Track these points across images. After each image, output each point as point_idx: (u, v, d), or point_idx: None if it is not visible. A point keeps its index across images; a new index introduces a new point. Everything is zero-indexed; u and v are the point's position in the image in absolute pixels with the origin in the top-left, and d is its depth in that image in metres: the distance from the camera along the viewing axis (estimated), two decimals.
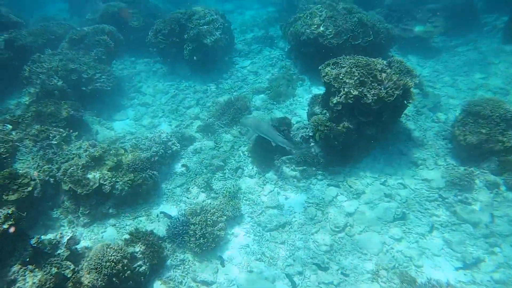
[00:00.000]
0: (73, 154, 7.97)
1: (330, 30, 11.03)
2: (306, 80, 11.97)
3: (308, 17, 11.56)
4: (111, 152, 7.95)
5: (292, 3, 16.01)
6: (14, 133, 8.42)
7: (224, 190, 8.32)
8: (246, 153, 9.41)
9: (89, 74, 10.50)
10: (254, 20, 17.47)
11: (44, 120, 8.79)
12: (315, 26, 11.26)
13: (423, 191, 8.17)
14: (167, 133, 9.07)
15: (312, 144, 8.96)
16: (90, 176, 7.53)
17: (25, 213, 6.59)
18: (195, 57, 12.19)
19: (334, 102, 8.13)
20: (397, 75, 8.14)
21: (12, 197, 6.84)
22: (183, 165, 9.03)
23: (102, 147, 7.94)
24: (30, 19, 17.26)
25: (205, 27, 12.11)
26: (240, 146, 9.65)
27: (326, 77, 8.39)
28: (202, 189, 8.42)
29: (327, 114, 8.72)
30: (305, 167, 8.74)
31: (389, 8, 13.75)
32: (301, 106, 11.07)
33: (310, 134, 8.92)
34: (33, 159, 8.06)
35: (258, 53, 14.07)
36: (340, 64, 8.47)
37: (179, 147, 9.14)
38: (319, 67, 9.11)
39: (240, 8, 19.58)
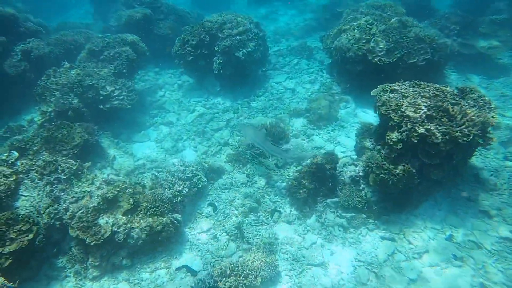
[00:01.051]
0: (84, 192, 6.83)
1: (381, 46, 9.59)
2: (350, 101, 10.53)
3: (356, 30, 10.13)
4: (127, 191, 6.76)
5: (334, 12, 14.58)
6: (19, 163, 7.35)
7: (258, 239, 7.02)
8: (283, 191, 8.06)
9: (107, 91, 9.41)
10: (289, 27, 16.14)
11: (54, 147, 7.72)
12: (364, 41, 9.84)
13: (504, 254, 6.60)
14: (192, 166, 7.78)
15: (362, 186, 7.54)
16: (101, 221, 6.37)
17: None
18: (226, 72, 10.95)
19: (394, 139, 6.72)
20: (474, 109, 6.64)
21: (9, 249, 5.75)
22: (210, 204, 7.77)
23: (117, 185, 6.77)
24: (52, 25, 16.47)
25: (237, 37, 10.86)
26: (276, 182, 8.31)
27: (383, 108, 7.01)
28: (232, 237, 7.13)
29: (382, 151, 7.30)
30: (353, 214, 7.33)
31: (446, 19, 12.10)
32: (344, 132, 9.67)
33: (361, 174, 7.52)
34: (38, 195, 6.96)
35: (295, 67, 12.74)
36: (401, 92, 7.06)
37: (206, 182, 7.88)
38: (372, 92, 7.78)
39: (274, 14, 18.28)
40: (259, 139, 7.62)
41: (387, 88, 7.53)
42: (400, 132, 6.65)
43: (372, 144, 7.83)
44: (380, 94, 7.44)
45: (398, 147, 6.69)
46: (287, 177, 8.42)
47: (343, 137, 9.58)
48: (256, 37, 11.38)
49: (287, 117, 10.18)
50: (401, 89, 7.17)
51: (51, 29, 15.47)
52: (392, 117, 6.76)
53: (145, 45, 11.50)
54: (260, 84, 11.95)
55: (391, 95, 7.17)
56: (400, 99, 6.88)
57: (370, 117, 9.96)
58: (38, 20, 15.31)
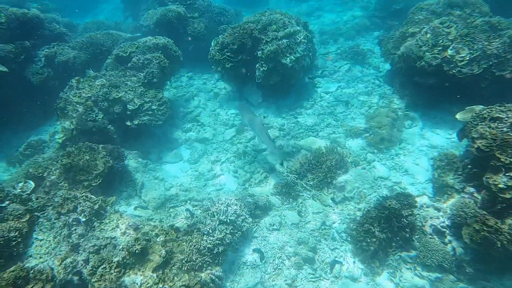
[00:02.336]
0: (107, 238, 5.70)
1: (463, 55, 7.92)
2: (417, 119, 8.95)
3: (429, 34, 8.52)
4: (158, 239, 5.57)
5: (390, 9, 12.88)
6: (34, 198, 6.31)
7: None
8: (343, 234, 6.67)
9: (135, 105, 8.29)
10: (337, 26, 14.52)
11: (75, 176, 6.64)
12: (440, 48, 8.21)
13: None
14: (235, 203, 6.50)
15: (449, 238, 6.04)
16: (127, 280, 5.22)
17: None
18: (270, 81, 9.59)
19: (500, 186, 5.19)
20: None
21: None
22: (255, 250, 6.48)
23: (146, 232, 5.59)
24: (80, 23, 15.60)
25: (284, 41, 9.47)
26: (334, 222, 6.93)
27: (481, 142, 5.51)
28: None
29: (477, 196, 5.79)
30: (438, 275, 5.85)
31: None
32: (411, 157, 8.15)
33: (448, 224, 6.03)
34: (54, 238, 5.90)
35: (347, 74, 11.21)
36: (510, 122, 5.51)
37: (251, 222, 6.60)
38: (459, 117, 6.46)
39: (319, 10, 16.68)
40: (257, 127, 7.18)
41: (483, 113, 5.99)
42: (510, 176, 5.13)
43: (459, 184, 6.34)
44: (473, 121, 5.93)
45: (507, 196, 5.16)
46: (347, 215, 7.02)
47: (410, 163, 8.06)
48: (305, 40, 9.94)
49: (343, 137, 8.72)
50: (504, 116, 5.62)
51: (79, 28, 14.61)
52: (498, 156, 5.24)
53: (178, 47, 10.34)
54: (307, 94, 10.53)
55: (492, 125, 5.63)
56: (510, 132, 5.34)
57: (442, 138, 8.42)
58: (65, 20, 14.56)
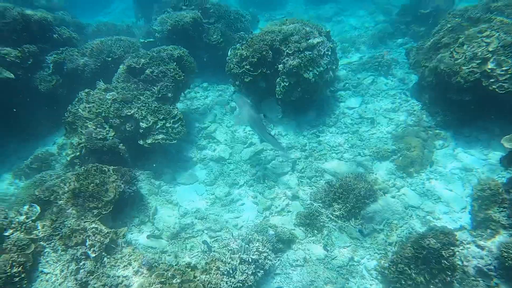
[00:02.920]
0: (118, 277, 5.25)
1: (506, 68, 7.40)
2: (449, 138, 8.45)
3: (466, 46, 7.96)
4: (174, 280, 5.11)
5: (416, 14, 12.28)
6: (40, 226, 5.89)
7: None
8: (373, 272, 6.17)
9: (148, 123, 7.85)
10: (359, 33, 13.93)
11: (84, 203, 6.20)
12: (479, 61, 7.67)
13: None
14: (258, 239, 6.03)
15: (496, 281, 5.51)
16: None
17: None
18: (291, 97, 9.10)
19: None
20: None
21: None
22: None
23: (161, 274, 5.14)
24: (91, 23, 15.19)
25: (307, 54, 8.98)
26: (363, 258, 6.43)
27: None
28: None
29: None
30: None
31: None
32: (444, 182, 7.69)
33: (495, 265, 5.53)
34: (61, 272, 5.48)
35: (370, 86, 10.67)
36: None
37: (273, 259, 6.12)
38: (507, 143, 5.84)
39: (339, 14, 16.09)
40: (256, 124, 6.99)
41: None
42: None
43: (507, 219, 5.80)
44: None
45: None
46: (377, 250, 6.52)
47: (443, 189, 7.57)
48: (329, 52, 9.42)
49: (369, 160, 8.20)
50: None
51: (89, 30, 14.20)
52: None
53: (192, 54, 9.90)
54: (329, 109, 10.02)
55: None
56: None
57: (476, 160, 7.92)
58: (75, 20, 14.19)
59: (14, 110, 9.31)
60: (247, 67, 9.14)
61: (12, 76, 8.89)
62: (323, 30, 10.36)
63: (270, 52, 9.10)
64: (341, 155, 8.47)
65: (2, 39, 9.42)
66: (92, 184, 6.38)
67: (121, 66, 9.12)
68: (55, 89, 9.88)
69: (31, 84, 9.69)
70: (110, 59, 10.04)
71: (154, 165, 8.30)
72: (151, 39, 12.99)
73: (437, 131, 8.69)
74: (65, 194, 6.36)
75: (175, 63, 9.07)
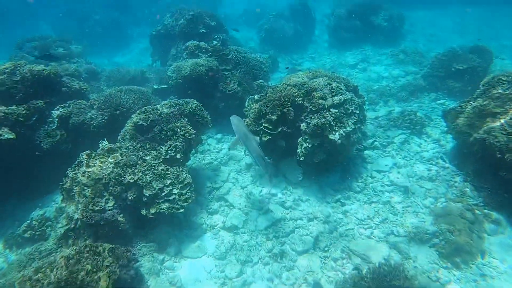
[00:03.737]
0: None
1: None
2: (503, 223, 7.28)
3: None
4: None
5: (451, 68, 11.47)
6: None
7: None
8: None
9: (153, 190, 7.09)
10: (386, 83, 13.17)
11: None
12: None
13: None
14: None
15: None
16: None
17: None
18: (314, 159, 8.23)
19: None
20: None
21: None
22: None
23: None
24: (106, 67, 14.95)
25: (332, 112, 8.17)
26: None
27: None
28: None
29: None
30: None
31: None
32: (502, 281, 6.41)
33: None
34: None
35: (402, 147, 9.73)
36: None
37: None
38: None
39: (364, 62, 15.43)
40: (250, 144, 6.70)
41: None
42: None
43: None
44: None
45: None
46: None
47: None
48: (357, 111, 8.60)
49: (405, 242, 7.12)
50: None
51: (102, 78, 13.88)
52: None
53: (207, 102, 9.30)
54: (355, 171, 9.09)
55: None
56: None
57: None
58: (88, 67, 13.93)
59: (13, 168, 8.76)
60: (266, 125, 8.39)
61: (13, 136, 8.41)
62: (350, 84, 9.63)
63: (292, 109, 8.34)
64: (371, 232, 7.43)
65: (9, 96, 9.07)
66: (82, 273, 5.53)
67: (128, 123, 8.50)
68: (58, 144, 9.32)
69: (34, 141, 9.16)
70: (118, 112, 9.48)
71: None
72: (165, 86, 12.56)
73: (486, 211, 7.55)
74: (50, 286, 5.52)
75: (186, 119, 8.39)
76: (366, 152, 9.59)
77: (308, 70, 10.10)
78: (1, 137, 8.35)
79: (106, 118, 9.43)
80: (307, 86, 8.86)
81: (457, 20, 21.34)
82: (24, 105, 9.16)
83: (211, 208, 8.51)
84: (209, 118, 9.05)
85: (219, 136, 11.12)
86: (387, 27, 17.13)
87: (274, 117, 8.30)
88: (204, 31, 13.78)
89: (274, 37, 19.10)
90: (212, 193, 8.93)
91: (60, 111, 9.52)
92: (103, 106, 9.47)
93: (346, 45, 17.62)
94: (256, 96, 9.75)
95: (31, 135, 9.20)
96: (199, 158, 10.19)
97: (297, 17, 19.84)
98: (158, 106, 8.65)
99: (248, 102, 10.12)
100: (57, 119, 9.41)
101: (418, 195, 8.08)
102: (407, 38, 18.36)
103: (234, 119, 6.98)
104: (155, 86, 12.73)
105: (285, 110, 8.28)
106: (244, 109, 9.81)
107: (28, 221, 8.06)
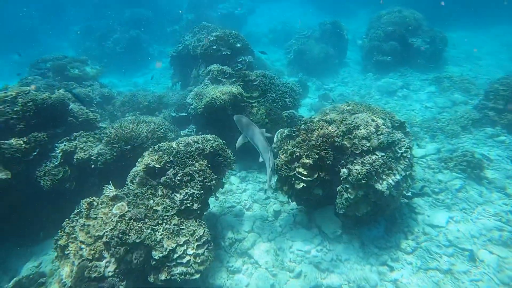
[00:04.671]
0: None
1: None
2: None
3: None
4: None
5: (510, 99, 10.09)
6: None
7: None
8: None
9: (164, 251, 5.98)
10: (431, 114, 11.87)
11: None
12: None
13: None
14: None
15: None
16: None
17: None
18: (357, 212, 6.99)
19: None
20: None
21: None
22: None
23: None
24: (117, 98, 14.13)
25: (379, 156, 6.96)
26: None
27: None
28: None
29: None
30: None
31: None
32: None
33: None
34: None
35: (458, 195, 8.44)
36: None
37: None
38: None
39: (404, 88, 14.19)
40: (256, 138, 6.67)
41: None
42: None
43: None
44: None
45: None
46: None
47: None
48: (408, 154, 7.34)
49: None
50: None
51: (117, 104, 13.06)
52: None
53: (229, 136, 8.54)
54: (403, 224, 7.81)
55: None
56: None
57: None
58: (102, 91, 13.18)
59: (8, 209, 7.88)
60: (300, 170, 7.21)
61: (8, 176, 7.56)
62: (396, 119, 8.43)
63: (331, 152, 7.15)
64: None
65: (8, 128, 8.26)
66: None
67: (139, 162, 7.47)
68: (61, 183, 8.40)
69: (33, 179, 8.26)
70: (128, 147, 8.50)
71: None
72: (184, 114, 11.68)
73: None
74: None
75: (206, 161, 7.30)
76: (415, 199, 8.26)
77: (346, 103, 8.96)
78: None
79: (115, 154, 8.47)
80: (347, 122, 7.68)
81: (505, 41, 19.83)
82: (24, 138, 8.31)
83: (232, 265, 7.32)
84: (233, 158, 7.95)
85: (243, 174, 10.02)
86: (428, 49, 15.84)
87: (310, 162, 7.12)
88: (228, 53, 12.83)
89: (304, 59, 18.06)
90: (234, 246, 7.77)
91: (65, 145, 8.64)
92: (112, 141, 8.52)
93: (382, 69, 16.37)
94: (286, 131, 8.67)
95: (30, 172, 8.32)
96: (221, 201, 9.07)
97: (329, 38, 18.78)
98: (174, 144, 7.60)
99: (277, 136, 9.04)
100: (60, 154, 8.51)
101: (489, 264, 6.67)
102: (450, 62, 17.01)
103: (236, 117, 7.01)
104: (173, 114, 11.82)
105: (322, 153, 7.10)
106: (273, 145, 8.73)
107: (18, 278, 7.04)
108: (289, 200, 8.03)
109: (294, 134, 8.41)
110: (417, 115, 12.13)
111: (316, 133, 7.40)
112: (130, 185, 7.18)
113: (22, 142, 8.11)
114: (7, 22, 36.52)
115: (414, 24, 16.49)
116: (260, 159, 6.81)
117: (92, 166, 8.58)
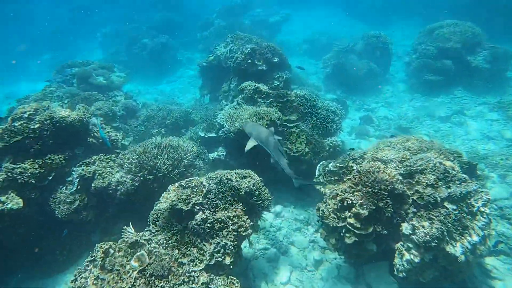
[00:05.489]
0: None
1: None
2: None
3: None
4: None
5: None
6: None
7: None
8: None
9: None
10: (497, 147, 10.59)
11: None
12: None
13: None
14: None
15: None
16: None
17: None
18: (421, 278, 5.92)
19: None
20: None
21: None
22: None
23: None
24: (141, 111, 13.40)
25: (450, 209, 5.88)
26: None
27: None
28: None
29: None
30: None
31: None
32: None
33: None
34: None
35: None
36: None
37: None
38: None
39: (460, 114, 12.85)
40: (264, 138, 6.81)
41: None
42: None
43: None
44: None
45: None
46: None
47: None
48: (487, 209, 6.19)
49: None
50: None
51: (141, 118, 12.34)
52: None
53: (263, 166, 7.99)
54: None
55: None
56: None
57: None
58: (126, 103, 12.52)
59: (20, 237, 7.28)
60: (352, 221, 6.16)
61: (20, 205, 6.92)
62: (464, 159, 7.29)
63: (391, 203, 6.08)
64: None
65: (23, 149, 7.61)
66: None
67: (163, 198, 6.62)
68: (77, 212, 7.68)
69: (46, 207, 7.58)
70: (152, 177, 7.65)
71: None
72: (213, 135, 10.76)
73: None
74: None
75: (241, 204, 6.37)
76: (488, 259, 7.06)
77: (404, 137, 7.86)
78: (4, 207, 6.78)
79: (137, 184, 7.65)
80: (408, 164, 6.60)
81: None
82: (40, 160, 7.65)
83: None
84: (271, 198, 6.99)
85: (278, 209, 9.05)
86: (489, 69, 14.35)
87: (364, 213, 6.06)
88: (264, 68, 11.92)
89: (343, 75, 16.93)
90: None
91: (83, 169, 7.91)
92: (134, 168, 7.70)
93: (432, 90, 14.99)
94: (331, 165, 7.73)
95: (44, 200, 7.64)
96: (253, 241, 8.10)
97: (372, 52, 17.52)
98: (204, 181, 6.69)
99: (319, 170, 8.11)
100: (78, 180, 7.79)
101: None
102: None
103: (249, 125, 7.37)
104: (201, 134, 10.96)
105: (381, 204, 6.04)
106: (314, 179, 7.78)
107: None
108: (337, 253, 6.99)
109: (341, 172, 7.42)
110: (481, 148, 10.82)
111: (372, 178, 6.34)
112: (152, 227, 6.32)
113: (37, 166, 7.47)
114: (38, 23, 37.02)
115: (473, 40, 15.03)
116: (272, 161, 6.91)
117: (111, 195, 7.82)
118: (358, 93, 16.32)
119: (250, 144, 7.03)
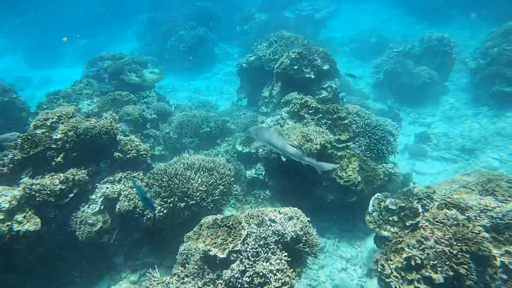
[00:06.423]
0: None
1: None
2: None
3: None
4: None
5: None
6: None
7: None
8: None
9: None
10: None
11: None
12: None
13: None
14: None
15: None
16: None
17: None
18: None
19: None
20: None
21: None
22: None
23: None
24: (173, 115, 12.76)
25: None
26: None
27: None
28: None
29: None
30: None
31: None
32: None
33: None
34: None
35: None
36: None
37: None
38: None
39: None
40: (267, 135, 6.99)
41: None
42: None
43: None
44: None
45: None
46: None
47: None
48: None
49: None
50: None
51: (174, 120, 11.74)
52: None
53: (307, 194, 7.66)
54: None
55: None
56: None
57: None
58: (159, 106, 12.05)
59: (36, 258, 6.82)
60: (421, 287, 5.20)
61: (38, 227, 6.39)
62: None
63: (474, 267, 5.07)
64: None
65: (44, 161, 7.07)
66: None
67: (193, 236, 5.89)
68: (99, 235, 7.10)
69: (67, 227, 7.03)
70: (183, 204, 6.92)
71: None
72: (252, 151, 9.96)
73: None
74: None
75: (285, 255, 5.52)
76: None
77: (479, 172, 6.77)
78: (20, 228, 6.26)
79: (165, 211, 6.95)
80: (493, 216, 5.55)
81: None
82: (61, 175, 7.07)
83: None
84: (319, 244, 6.11)
85: (322, 243, 8.15)
86: None
87: (439, 278, 5.08)
88: (312, 76, 10.93)
89: (397, 82, 15.61)
90: None
91: (107, 188, 7.30)
92: (164, 193, 6.99)
93: (503, 103, 13.36)
94: (388, 202, 6.81)
95: (66, 214, 7.09)
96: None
97: (432, 57, 15.94)
98: (243, 221, 5.85)
99: (372, 205, 7.21)
100: (101, 199, 7.18)
101: None
102: None
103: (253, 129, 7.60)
104: (239, 148, 10.20)
105: (461, 270, 5.04)
106: (367, 218, 6.89)
107: None
108: None
109: (403, 214, 6.45)
110: None
111: (449, 234, 5.33)
112: (181, 271, 5.60)
113: (57, 182, 6.93)
114: (72, 8, 37.25)
115: None
116: (283, 159, 7.00)
117: (137, 219, 7.19)
118: (413, 103, 15.01)
119: (256, 144, 7.77)
